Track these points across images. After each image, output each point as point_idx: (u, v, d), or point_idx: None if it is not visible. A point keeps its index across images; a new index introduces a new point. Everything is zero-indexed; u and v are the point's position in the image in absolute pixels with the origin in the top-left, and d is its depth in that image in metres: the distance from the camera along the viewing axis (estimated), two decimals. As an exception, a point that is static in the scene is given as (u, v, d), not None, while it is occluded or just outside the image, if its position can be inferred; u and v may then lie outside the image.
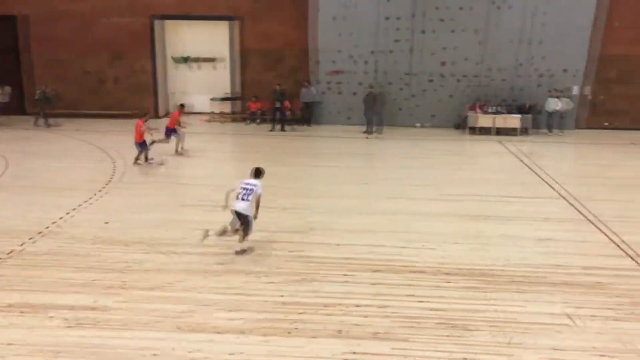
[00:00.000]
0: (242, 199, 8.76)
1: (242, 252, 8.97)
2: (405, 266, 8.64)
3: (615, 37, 20.40)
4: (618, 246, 9.62)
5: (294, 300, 7.49)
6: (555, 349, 6.45)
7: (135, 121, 14.84)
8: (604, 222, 10.80)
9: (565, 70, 20.59)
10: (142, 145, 14.83)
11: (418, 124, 21.59)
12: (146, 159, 15.00)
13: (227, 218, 8.98)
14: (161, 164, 15.21)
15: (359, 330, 6.78)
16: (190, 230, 9.89)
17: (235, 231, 8.93)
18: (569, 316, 7.20)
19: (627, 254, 9.29)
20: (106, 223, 10.36)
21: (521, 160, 16.25)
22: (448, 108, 21.31)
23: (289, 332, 6.72)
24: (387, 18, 20.61)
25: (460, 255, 9.13)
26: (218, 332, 6.70)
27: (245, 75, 22.53)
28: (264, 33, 21.80)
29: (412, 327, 6.87)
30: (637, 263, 8.91)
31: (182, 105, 17.28)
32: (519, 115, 20.34)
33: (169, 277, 8.14)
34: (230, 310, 7.21)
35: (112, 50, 22.08)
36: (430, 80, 21.24)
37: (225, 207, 8.88)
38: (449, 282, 8.12)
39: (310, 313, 7.17)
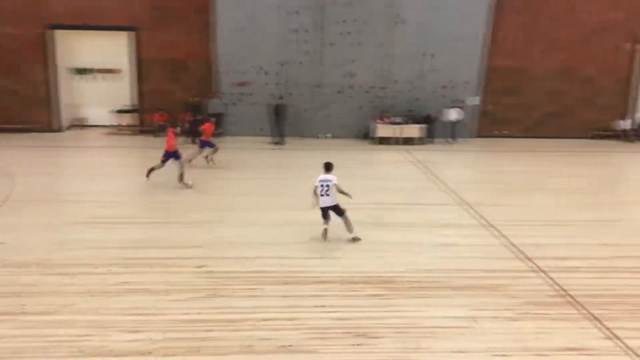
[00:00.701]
0: (326, 195, 10.00)
1: (358, 239, 10.20)
2: (312, 277, 8.66)
3: (504, 50, 21.63)
4: (510, 249, 10.13)
5: (201, 318, 7.30)
6: (459, 351, 6.67)
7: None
8: (498, 226, 11.35)
9: (461, 82, 21.58)
10: (174, 155, 13.95)
11: (329, 135, 21.87)
12: (181, 177, 13.92)
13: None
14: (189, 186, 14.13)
15: (268, 345, 6.70)
16: (86, 249, 9.44)
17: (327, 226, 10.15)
18: (471, 318, 7.48)
19: (520, 256, 9.80)
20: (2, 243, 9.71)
21: (422, 169, 16.80)
22: (356, 119, 21.75)
23: (196, 350, 6.53)
24: (295, 30, 20.78)
25: (365, 263, 9.28)
26: (117, 356, 6.40)
27: (144, 86, 21.90)
28: (165, 43, 21.33)
29: (321, 338, 6.88)
30: (528, 264, 9.41)
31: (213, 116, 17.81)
32: (420, 125, 21.10)
33: (65, 299, 7.70)
34: (132, 332, 6.91)
35: (4, 61, 20.81)
36: (339, 92, 21.60)
37: (315, 205, 10.13)
38: (355, 291, 8.22)
39: (218, 330, 7.01)
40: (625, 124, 22.52)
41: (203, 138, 16.42)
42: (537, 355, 6.64)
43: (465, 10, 20.71)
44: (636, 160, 19.88)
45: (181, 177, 13.86)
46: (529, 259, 9.61)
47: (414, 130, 21.06)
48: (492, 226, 11.36)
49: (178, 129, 14.35)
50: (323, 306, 7.70)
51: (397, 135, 20.98)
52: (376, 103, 21.66)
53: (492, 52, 21.58)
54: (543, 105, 22.32)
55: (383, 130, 21.01)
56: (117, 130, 22.09)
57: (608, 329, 7.27)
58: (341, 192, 10.12)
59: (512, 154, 19.75)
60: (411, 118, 21.34)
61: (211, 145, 16.45)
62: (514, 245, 10.29)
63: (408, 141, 20.89)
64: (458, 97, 21.53)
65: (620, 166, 19.04)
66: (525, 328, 7.28)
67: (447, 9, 20.69)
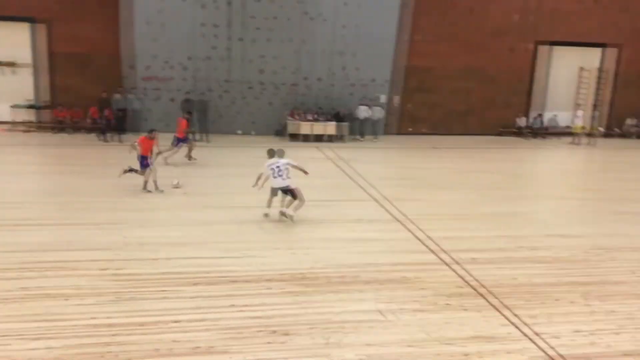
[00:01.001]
0: (281, 177, 10.98)
1: (290, 217, 11.06)
2: (225, 276, 8.56)
3: (418, 50, 22.29)
4: (422, 242, 10.46)
5: (107, 322, 7.04)
6: (369, 344, 6.80)
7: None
8: (410, 220, 11.70)
9: (374, 80, 22.03)
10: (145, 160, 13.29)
11: (239, 131, 21.68)
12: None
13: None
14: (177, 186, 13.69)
15: (179, 347, 6.56)
16: (-16, 254, 8.88)
17: (290, 203, 11.22)
18: (380, 312, 7.65)
19: (430, 249, 10.14)
20: None
21: (337, 165, 17.02)
22: (268, 115, 21.69)
23: (101, 357, 6.29)
24: (203, 25, 20.43)
25: (281, 260, 9.28)
26: (18, 366, 6.07)
27: (50, 80, 20.86)
28: (70, 36, 20.41)
29: (233, 337, 6.81)
30: (438, 257, 9.75)
31: (189, 113, 17.85)
32: (335, 123, 21.35)
33: (-43, 309, 7.20)
34: (33, 339, 6.56)
35: None
36: (250, 88, 21.46)
37: (257, 185, 11.21)
38: (269, 289, 8.20)
39: (126, 334, 6.79)
40: (522, 122, 23.79)
41: (177, 135, 16.40)
42: (445, 344, 6.89)
43: (377, 10, 21.12)
44: (534, 156, 21.04)
45: (145, 184, 13.39)
46: (438, 252, 9.95)
47: (331, 128, 21.28)
48: (405, 221, 11.68)
49: (153, 133, 13.78)
50: (236, 305, 7.63)
51: (316, 132, 21.12)
52: (288, 100, 21.70)
53: (404, 51, 22.15)
54: (450, 103, 23.17)
55: (294, 127, 21.09)
56: (16, 126, 20.87)
57: (510, 316, 7.66)
58: (297, 168, 11.39)
59: (422, 150, 20.39)
60: (324, 115, 21.55)
61: (186, 141, 16.50)
62: (424, 238, 10.63)
63: (325, 138, 21.08)
64: (369, 96, 21.95)
65: (521, 162, 20.12)
66: (433, 319, 7.53)
67: (360, 7, 21.02)
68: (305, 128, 21.14)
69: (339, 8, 20.96)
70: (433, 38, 22.40)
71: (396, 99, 22.66)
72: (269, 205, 11.51)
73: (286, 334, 6.93)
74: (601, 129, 23.98)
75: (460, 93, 23.12)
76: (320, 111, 21.60)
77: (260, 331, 6.98)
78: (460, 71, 22.86)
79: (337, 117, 21.54)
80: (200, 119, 20.11)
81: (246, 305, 7.64)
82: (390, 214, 12.22)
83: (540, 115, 23.80)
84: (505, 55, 23.12)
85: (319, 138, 21.02)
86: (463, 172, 16.95)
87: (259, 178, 11.32)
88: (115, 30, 20.20)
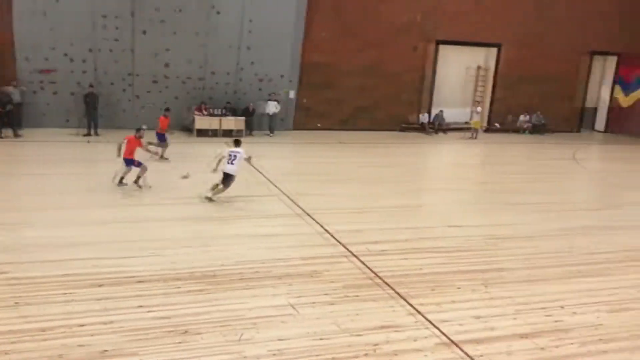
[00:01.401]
0: (232, 163, 12.21)
1: (211, 200, 12.19)
2: (132, 277, 8.32)
3: (317, 46, 22.51)
4: (331, 235, 10.65)
5: (7, 329, 6.66)
6: (281, 339, 6.86)
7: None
8: (318, 214, 11.86)
9: (279, 75, 22.07)
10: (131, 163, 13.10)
11: (144, 126, 20.98)
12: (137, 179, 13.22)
13: None
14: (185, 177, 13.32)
15: (84, 351, 6.32)
16: None
17: (216, 187, 12.35)
18: (292, 306, 7.74)
19: (336, 242, 10.34)
20: None
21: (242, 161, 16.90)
22: (174, 110, 21.16)
23: (-2, 366, 5.95)
24: (104, 16, 19.62)
25: (189, 259, 9.15)
26: None
27: None
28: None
29: (141, 339, 6.65)
30: (347, 250, 9.98)
31: (167, 110, 17.77)
32: (242, 118, 21.20)
33: None
34: None
35: None
36: (155, 82, 20.86)
37: (215, 170, 12.29)
38: (178, 288, 8.07)
39: (26, 340, 6.45)
40: (424, 118, 24.71)
41: (159, 131, 16.57)
42: (354, 335, 7.07)
43: (280, 5, 21.16)
44: (434, 151, 21.95)
45: (138, 179, 13.18)
46: (347, 245, 10.17)
47: (238, 123, 21.10)
48: (314, 215, 11.83)
49: (141, 132, 13.48)
50: (145, 306, 7.45)
51: (224, 127, 20.88)
52: (194, 94, 21.32)
53: (307, 47, 22.33)
54: (355, 100, 23.63)
55: (202, 122, 20.77)
56: None
57: (413, 305, 7.98)
58: (248, 161, 12.73)
59: (328, 145, 20.68)
60: (230, 110, 21.35)
61: (164, 139, 16.52)
62: (333, 232, 10.82)
63: (228, 134, 20.89)
64: (275, 91, 21.98)
65: (423, 156, 20.92)
66: (343, 311, 7.71)
67: (263, 2, 20.96)
68: (212, 123, 20.85)
69: (245, 2, 20.81)
70: (334, 34, 22.72)
71: (297, 94, 22.79)
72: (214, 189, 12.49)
73: (198, 333, 6.86)
74: (494, 125, 25.37)
75: (365, 89, 23.62)
76: (229, 106, 21.37)
77: (171, 331, 6.86)
78: (364, 68, 23.34)
79: (246, 112, 21.41)
80: (91, 113, 19.35)
81: (155, 306, 7.48)
82: (300, 208, 12.33)
83: (441, 112, 24.80)
84: (405, 53, 23.86)
85: (227, 133, 20.80)
86: (368, 167, 17.39)
87: (219, 162, 12.36)
88: (10, 20, 18.96)
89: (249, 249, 9.78)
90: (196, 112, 20.89)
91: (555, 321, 7.83)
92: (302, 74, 22.55)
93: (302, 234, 10.77)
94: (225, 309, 7.52)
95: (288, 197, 13.17)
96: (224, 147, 12.73)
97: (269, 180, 14.67)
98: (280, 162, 17.83)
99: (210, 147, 18.82)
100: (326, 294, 8.19)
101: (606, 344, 7.33)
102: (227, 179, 12.31)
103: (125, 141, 13.17)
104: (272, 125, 21.81)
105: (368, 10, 22.84)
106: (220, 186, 12.35)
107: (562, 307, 8.28)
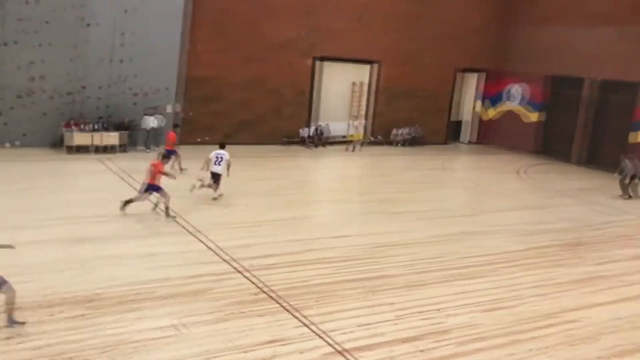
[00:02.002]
0: (218, 164, 14.00)
1: (220, 196, 14.21)
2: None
3: (201, 60, 22.25)
4: (215, 252, 10.50)
5: None
6: (167, 361, 6.66)
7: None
8: (201, 231, 11.65)
9: (159, 89, 21.47)
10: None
11: (7, 144, 19.56)
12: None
13: None
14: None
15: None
16: None
17: (209, 186, 14.05)
18: (176, 327, 7.52)
19: (223, 258, 10.21)
20: None
21: (121, 178, 16.26)
22: (42, 126, 19.86)
23: None
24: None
25: (64, 283, 8.62)
26: None
27: None
28: None
29: (12, 373, 6.16)
30: (232, 266, 9.88)
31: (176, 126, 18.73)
32: (117, 133, 20.33)
33: None
34: None
35: None
36: (19, 97, 19.49)
37: (203, 169, 14.22)
38: (52, 315, 7.57)
39: None
40: (305, 132, 25.11)
41: (167, 147, 16.90)
42: (243, 352, 7.01)
43: (160, 18, 20.61)
44: (316, 164, 22.35)
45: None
46: (232, 261, 10.07)
47: (113, 138, 20.19)
48: (196, 232, 11.59)
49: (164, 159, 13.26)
50: (14, 337, 6.90)
51: (97, 143, 19.88)
52: (63, 110, 20.13)
53: (190, 61, 21.94)
54: (239, 114, 23.51)
55: (77, 138, 19.66)
56: None
57: (303, 317, 8.06)
58: (228, 166, 14.10)
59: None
60: (107, 125, 20.42)
61: (174, 153, 16.98)
62: (217, 248, 10.67)
63: (107, 149, 19.97)
64: (154, 105, 21.34)
65: (306, 169, 21.23)
66: (232, 327, 7.62)
67: (142, 15, 20.34)
68: (85, 139, 19.81)
69: (117, 15, 20.06)
70: (217, 48, 22.55)
71: (179, 108, 22.30)
72: (201, 184, 14.11)
73: (77, 362, 6.47)
74: (373, 138, 26.32)
75: (246, 103, 23.60)
76: (102, 121, 20.42)
77: (46, 362, 6.42)
78: (246, 82, 23.31)
79: (121, 127, 20.57)
80: None
81: (27, 335, 6.96)
82: (181, 225, 12.05)
83: (320, 126, 25.32)
84: (286, 68, 24.17)
85: (100, 149, 19.86)
86: (255, 180, 17.33)
87: (206, 163, 14.24)
88: None
89: (132, 269, 9.39)
90: (65, 128, 19.75)
91: (434, 324, 8.24)
92: (185, 87, 22.10)
93: (189, 251, 10.52)
94: (106, 334, 7.15)
95: (175, 213, 12.79)
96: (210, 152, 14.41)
97: (149, 198, 14.16)
98: (164, 179, 17.25)
99: (82, 164, 17.93)
100: (213, 312, 8.05)
101: (481, 342, 7.82)
102: (216, 177, 14.13)
103: (152, 168, 12.57)
104: (149, 140, 21.10)
105: (251, 26, 22.91)
106: (212, 184, 14.18)
107: (439, 310, 8.73)
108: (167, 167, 15.62)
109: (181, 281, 9.04)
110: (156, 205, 13.00)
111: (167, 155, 14.05)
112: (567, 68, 25.05)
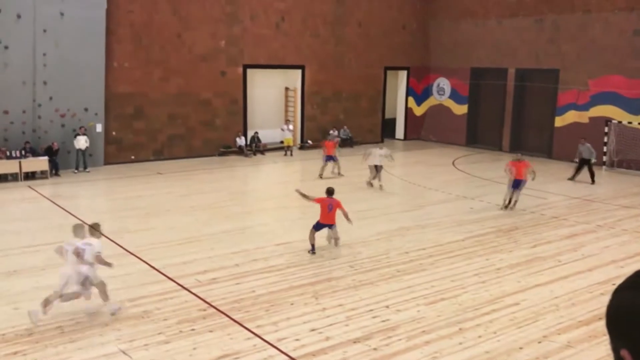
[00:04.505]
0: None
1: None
2: None
3: (125, 77, 21.74)
4: (158, 271, 10.28)
5: None
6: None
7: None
8: (141, 251, 11.38)
9: (87, 108, 20.83)
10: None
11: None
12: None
13: None
14: None
15: None
16: None
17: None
18: (123, 352, 7.31)
19: (167, 277, 10.01)
20: None
21: (55, 204, 15.69)
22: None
23: None
24: None
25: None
26: None
27: None
28: None
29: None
30: (177, 284, 9.70)
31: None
32: (46, 157, 19.58)
33: None
34: None
35: None
36: None
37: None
38: (-11, 355, 7.22)
39: None
40: (241, 141, 24.95)
41: (327, 153, 19.35)
42: (193, 370, 6.89)
43: (82, 35, 20.02)
44: (254, 172, 22.24)
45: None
46: (176, 278, 9.89)
47: (42, 163, 19.40)
48: (137, 252, 11.31)
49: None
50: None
51: (25, 169, 19.05)
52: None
53: (111, 78, 21.41)
54: (168, 129, 23.11)
55: (2, 166, 18.77)
56: None
57: (254, 328, 8.00)
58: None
59: (145, 178, 19.94)
60: (31, 151, 19.62)
61: (333, 158, 19.24)
62: (159, 267, 10.45)
63: (37, 175, 19.18)
64: (82, 125, 20.69)
65: (244, 178, 21.08)
66: (179, 348, 7.48)
67: (63, 33, 19.67)
68: (12, 166, 18.97)
69: (37, 35, 19.34)
70: (140, 64, 22.08)
71: (106, 127, 21.71)
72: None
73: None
74: (310, 142, 26.43)
75: (178, 117, 23.24)
76: (29, 146, 19.60)
77: (-15, 405, 6.12)
78: (173, 96, 22.95)
79: (50, 151, 19.82)
80: None
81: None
82: (121, 247, 11.72)
83: (257, 133, 25.21)
84: (215, 79, 23.95)
85: (30, 175, 19.06)
86: (190, 195, 17.07)
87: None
88: None
89: (69, 298, 9.05)
90: (-10, 156, 18.87)
91: (383, 321, 8.35)
92: (108, 105, 21.52)
93: (126, 274, 10.23)
94: (48, 369, 6.89)
95: (107, 237, 12.42)
96: None
97: (85, 221, 13.72)
98: (94, 201, 16.81)
99: (11, 193, 17.17)
100: (160, 333, 7.88)
101: (429, 334, 7.99)
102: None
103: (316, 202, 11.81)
104: (80, 161, 20.45)
105: (174, 38, 22.57)
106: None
107: (387, 306, 8.85)
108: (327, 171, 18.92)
109: (126, 304, 8.79)
110: None
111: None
112: (489, 60, 25.99)
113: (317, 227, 11.43)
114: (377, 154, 17.39)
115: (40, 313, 7.90)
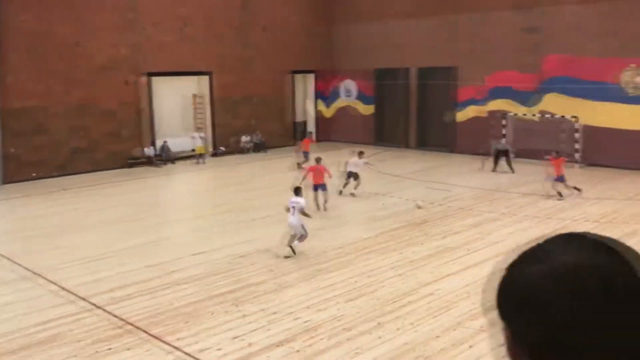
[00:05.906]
0: (292, 215, 11.65)
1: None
2: None
3: (18, 91, 20.57)
4: (67, 292, 9.82)
5: None
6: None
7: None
8: (48, 272, 10.82)
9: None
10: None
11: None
12: None
13: None
14: None
15: None
16: None
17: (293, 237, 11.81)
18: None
19: (77, 297, 9.59)
20: None
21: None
22: None
23: None
24: None
25: None
26: None
27: None
28: None
29: None
30: (88, 303, 9.31)
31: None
32: None
33: None
34: None
35: None
36: None
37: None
38: None
39: None
40: (150, 151, 24.24)
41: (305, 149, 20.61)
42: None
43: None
44: (165, 182, 21.73)
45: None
46: (87, 298, 9.49)
47: None
48: (43, 274, 10.75)
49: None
50: None
51: None
52: None
53: (4, 92, 20.21)
54: (70, 142, 22.09)
55: None
56: None
57: (174, 341, 7.82)
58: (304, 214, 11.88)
59: (49, 195, 18.96)
60: None
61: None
62: (68, 287, 9.99)
63: None
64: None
65: (154, 189, 20.53)
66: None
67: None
68: None
69: None
70: (36, 76, 20.99)
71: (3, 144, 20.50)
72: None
73: None
74: (223, 148, 26.14)
75: (80, 130, 22.28)
76: None
77: None
78: (74, 108, 21.98)
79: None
80: None
81: None
82: (26, 269, 11.10)
83: (166, 142, 24.60)
84: (118, 88, 23.16)
85: None
86: (97, 210, 16.39)
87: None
88: None
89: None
90: None
91: (305, 322, 8.42)
92: (4, 121, 20.29)
93: (34, 297, 9.71)
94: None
95: (10, 260, 11.74)
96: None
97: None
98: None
99: None
100: (74, 356, 7.54)
101: (349, 331, 8.13)
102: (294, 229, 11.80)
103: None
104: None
105: (72, 48, 21.62)
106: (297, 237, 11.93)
107: (308, 307, 8.93)
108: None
109: (34, 329, 8.35)
110: None
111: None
112: (390, 60, 26.76)
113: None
114: (353, 162, 17.38)
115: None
